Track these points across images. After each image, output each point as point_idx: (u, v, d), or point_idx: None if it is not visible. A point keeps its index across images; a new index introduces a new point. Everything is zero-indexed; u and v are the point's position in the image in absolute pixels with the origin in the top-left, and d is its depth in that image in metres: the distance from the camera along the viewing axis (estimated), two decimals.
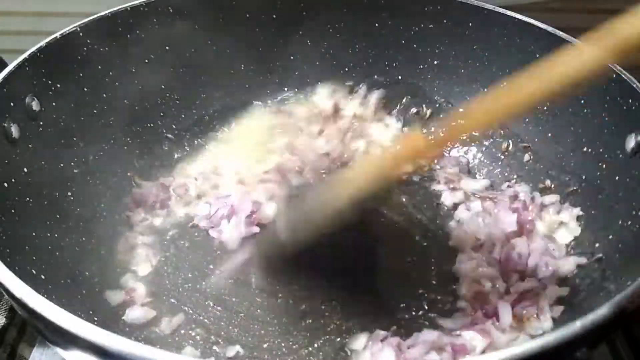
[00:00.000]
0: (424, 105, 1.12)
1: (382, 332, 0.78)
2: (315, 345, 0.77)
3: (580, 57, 0.59)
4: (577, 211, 0.89)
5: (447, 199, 0.99)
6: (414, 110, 1.12)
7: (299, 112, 1.10)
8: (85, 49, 0.91)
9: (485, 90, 1.05)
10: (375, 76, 1.14)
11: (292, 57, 1.12)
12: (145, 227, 0.92)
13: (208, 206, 0.93)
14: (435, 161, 1.05)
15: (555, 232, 0.89)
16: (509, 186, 0.99)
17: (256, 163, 1.02)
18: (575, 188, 0.92)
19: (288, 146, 1.04)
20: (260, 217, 0.93)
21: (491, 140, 1.07)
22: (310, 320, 0.80)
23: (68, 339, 0.52)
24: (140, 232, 0.91)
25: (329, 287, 0.85)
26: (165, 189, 0.97)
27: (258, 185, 0.98)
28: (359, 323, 0.80)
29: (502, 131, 1.05)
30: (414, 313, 0.81)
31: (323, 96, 1.12)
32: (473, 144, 1.08)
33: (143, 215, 0.93)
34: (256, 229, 0.92)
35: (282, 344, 0.77)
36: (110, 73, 0.95)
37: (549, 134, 0.98)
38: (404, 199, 0.99)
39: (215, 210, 0.91)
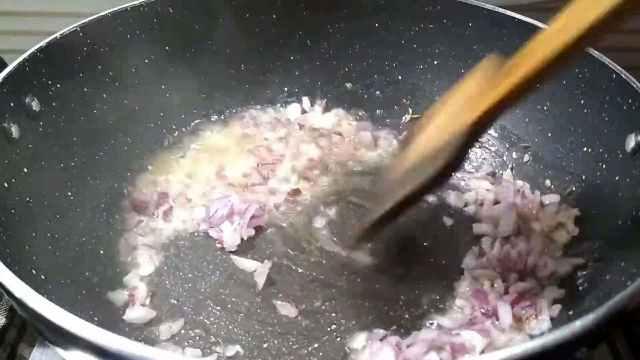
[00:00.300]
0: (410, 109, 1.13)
1: (381, 331, 0.78)
2: (315, 345, 0.77)
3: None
4: (575, 212, 0.89)
5: (448, 198, 0.99)
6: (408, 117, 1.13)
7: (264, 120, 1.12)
8: (85, 49, 0.91)
9: None
10: (376, 76, 1.14)
11: (292, 57, 1.12)
12: (144, 228, 0.92)
13: (205, 209, 0.93)
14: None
15: (554, 233, 0.89)
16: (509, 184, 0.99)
17: (235, 167, 1.03)
18: (574, 188, 0.92)
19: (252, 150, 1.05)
20: (261, 218, 0.93)
21: (491, 140, 1.07)
22: (310, 321, 0.80)
23: (68, 339, 0.52)
24: (140, 234, 0.91)
25: (329, 287, 0.85)
26: (165, 199, 0.96)
27: (249, 188, 0.99)
28: (359, 323, 0.80)
29: (501, 131, 1.06)
30: (413, 312, 0.81)
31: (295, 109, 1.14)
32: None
33: (139, 217, 0.93)
34: (253, 231, 0.92)
35: (282, 344, 0.77)
36: (110, 73, 0.95)
37: (549, 134, 0.98)
38: None
39: (215, 211, 0.91)
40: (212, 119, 1.11)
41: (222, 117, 1.12)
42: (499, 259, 0.85)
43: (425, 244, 0.91)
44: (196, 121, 1.10)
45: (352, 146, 1.09)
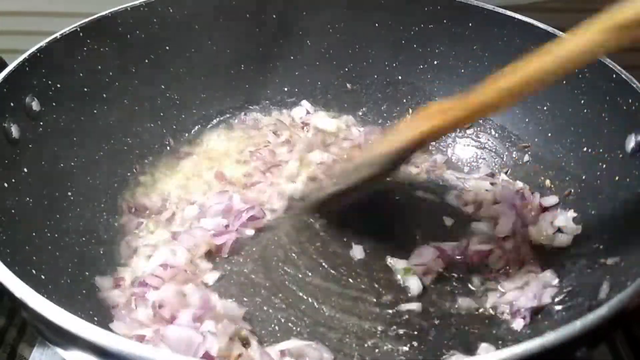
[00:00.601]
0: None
1: None
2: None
3: (578, 41, 0.64)
4: (572, 213, 0.89)
5: (448, 198, 0.99)
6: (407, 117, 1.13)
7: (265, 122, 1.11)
8: (85, 49, 0.91)
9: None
10: (376, 76, 1.14)
11: (292, 57, 1.12)
12: (144, 230, 0.92)
13: (200, 205, 0.93)
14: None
15: (553, 240, 0.89)
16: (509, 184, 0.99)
17: (236, 169, 1.03)
18: (574, 188, 0.92)
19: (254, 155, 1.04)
20: (260, 220, 0.93)
21: (491, 140, 1.07)
22: (310, 321, 0.80)
23: (68, 339, 0.52)
24: (140, 236, 0.91)
25: (330, 286, 0.85)
26: (166, 204, 0.95)
27: (249, 187, 0.99)
28: (356, 323, 0.80)
29: (501, 131, 1.06)
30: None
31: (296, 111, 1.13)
32: (474, 144, 1.08)
33: (139, 220, 0.93)
34: (252, 231, 0.92)
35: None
36: (110, 73, 0.95)
37: (549, 134, 0.98)
38: (402, 199, 0.99)
39: (211, 206, 0.91)
40: (212, 120, 1.11)
41: (223, 118, 1.12)
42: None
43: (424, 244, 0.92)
44: (196, 122, 1.10)
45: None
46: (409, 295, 0.83)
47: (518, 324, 0.79)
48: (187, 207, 0.94)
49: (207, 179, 1.01)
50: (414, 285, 0.84)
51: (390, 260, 0.88)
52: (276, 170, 1.02)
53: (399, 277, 0.86)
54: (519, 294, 0.82)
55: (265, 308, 0.82)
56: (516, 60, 0.69)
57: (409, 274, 0.85)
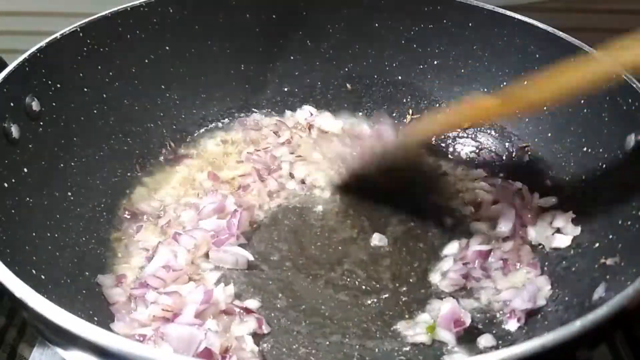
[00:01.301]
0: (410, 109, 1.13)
1: None
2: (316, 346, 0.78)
3: (597, 65, 0.70)
4: (570, 214, 0.89)
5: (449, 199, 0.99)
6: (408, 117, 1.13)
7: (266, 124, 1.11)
8: (85, 49, 0.91)
9: (486, 90, 1.06)
10: (375, 76, 1.14)
11: (292, 57, 1.12)
12: (143, 232, 0.91)
13: (194, 210, 0.93)
14: None
15: (552, 240, 0.89)
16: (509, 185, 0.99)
17: (232, 168, 1.03)
18: (574, 188, 0.92)
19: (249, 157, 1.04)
20: (253, 217, 0.93)
21: (490, 140, 1.07)
22: (308, 322, 0.80)
23: (68, 339, 0.52)
24: (139, 239, 0.90)
25: (329, 286, 0.85)
26: (164, 210, 0.95)
27: (245, 187, 0.98)
28: (356, 323, 0.80)
29: (501, 131, 1.06)
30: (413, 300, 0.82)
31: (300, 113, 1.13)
32: (473, 144, 1.08)
33: (137, 224, 0.92)
34: (250, 230, 0.92)
35: (283, 345, 0.77)
36: (110, 73, 0.95)
37: (549, 134, 0.98)
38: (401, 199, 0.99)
39: (205, 206, 0.92)
40: (212, 120, 1.11)
41: (223, 119, 1.12)
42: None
43: (424, 244, 0.92)
44: (196, 122, 1.10)
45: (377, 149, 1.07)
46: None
47: (513, 325, 0.79)
48: (185, 210, 0.94)
49: (206, 181, 1.00)
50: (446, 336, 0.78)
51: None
52: (273, 170, 1.02)
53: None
54: (514, 294, 0.82)
55: (264, 308, 0.82)
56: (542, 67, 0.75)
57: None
